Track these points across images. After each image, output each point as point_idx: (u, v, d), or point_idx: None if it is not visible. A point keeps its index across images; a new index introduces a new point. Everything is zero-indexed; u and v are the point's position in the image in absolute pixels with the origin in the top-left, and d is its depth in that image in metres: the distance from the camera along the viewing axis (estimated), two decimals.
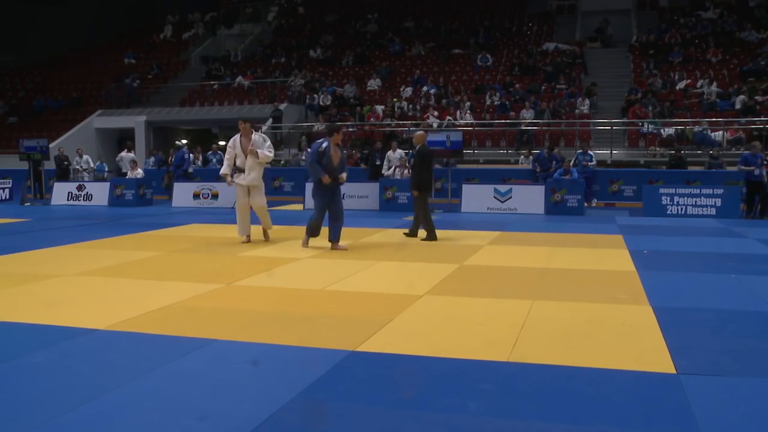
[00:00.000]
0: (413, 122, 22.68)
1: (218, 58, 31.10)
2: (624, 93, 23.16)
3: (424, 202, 10.32)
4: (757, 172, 13.68)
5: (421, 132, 11.17)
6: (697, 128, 20.07)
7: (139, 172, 18.75)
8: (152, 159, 22.14)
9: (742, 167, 14.06)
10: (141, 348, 4.62)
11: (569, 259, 8.44)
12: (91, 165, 21.78)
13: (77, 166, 21.59)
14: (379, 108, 24.24)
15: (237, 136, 9.75)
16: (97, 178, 21.20)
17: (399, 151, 17.29)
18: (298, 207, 16.52)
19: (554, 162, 17.14)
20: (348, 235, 10.61)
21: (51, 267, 7.74)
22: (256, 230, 10.14)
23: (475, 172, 18.61)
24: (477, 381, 3.95)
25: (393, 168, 17.02)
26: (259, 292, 6.52)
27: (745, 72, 22.92)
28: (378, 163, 18.18)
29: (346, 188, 16.39)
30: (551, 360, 4.29)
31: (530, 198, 15.18)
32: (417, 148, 10.59)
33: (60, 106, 29.54)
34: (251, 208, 9.88)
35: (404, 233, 10.68)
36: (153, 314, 5.48)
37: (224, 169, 9.89)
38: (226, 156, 9.85)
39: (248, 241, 9.84)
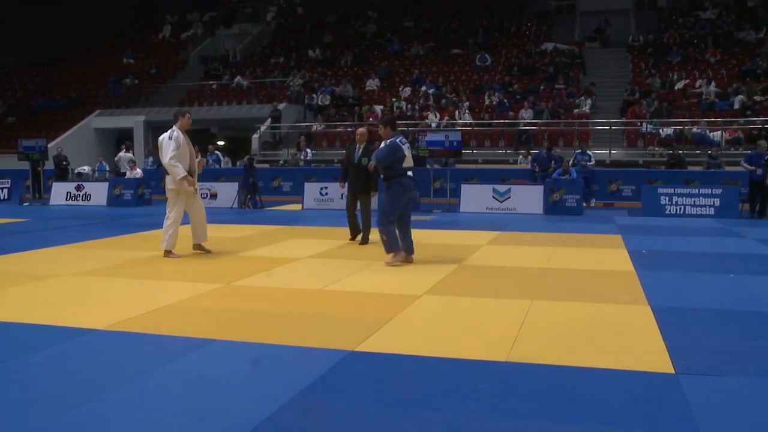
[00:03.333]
0: (412, 122, 22.69)
1: (217, 58, 31.11)
2: (623, 93, 23.19)
3: (369, 202, 9.86)
4: (759, 171, 13.69)
5: (363, 129, 10.35)
6: (695, 128, 20.10)
7: (138, 172, 18.75)
8: (151, 158, 22.14)
9: (746, 165, 14.08)
10: (140, 348, 4.62)
11: (568, 259, 8.44)
12: (91, 169, 21.80)
13: (76, 168, 21.60)
14: (378, 108, 24.24)
15: (179, 133, 8.29)
16: (98, 178, 21.18)
17: None
18: (297, 207, 16.54)
19: (553, 162, 17.15)
20: (348, 234, 10.61)
21: (50, 267, 7.73)
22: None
23: (474, 171, 18.62)
24: (476, 381, 3.95)
25: None
26: (258, 292, 6.51)
27: (744, 72, 22.95)
28: None
29: (346, 188, 16.45)
30: (550, 360, 4.29)
31: (529, 198, 15.19)
32: (363, 146, 9.76)
33: (59, 106, 29.54)
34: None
35: (356, 241, 9.88)
36: (152, 314, 5.48)
37: (183, 170, 8.22)
38: (177, 157, 8.21)
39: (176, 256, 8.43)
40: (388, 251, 7.89)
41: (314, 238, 10.53)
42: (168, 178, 8.42)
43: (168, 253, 8.40)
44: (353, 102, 25.33)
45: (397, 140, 7.84)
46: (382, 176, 8.03)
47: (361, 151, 9.76)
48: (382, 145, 7.95)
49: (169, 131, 8.40)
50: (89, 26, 34.77)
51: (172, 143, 8.23)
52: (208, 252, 8.74)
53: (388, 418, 3.43)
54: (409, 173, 7.86)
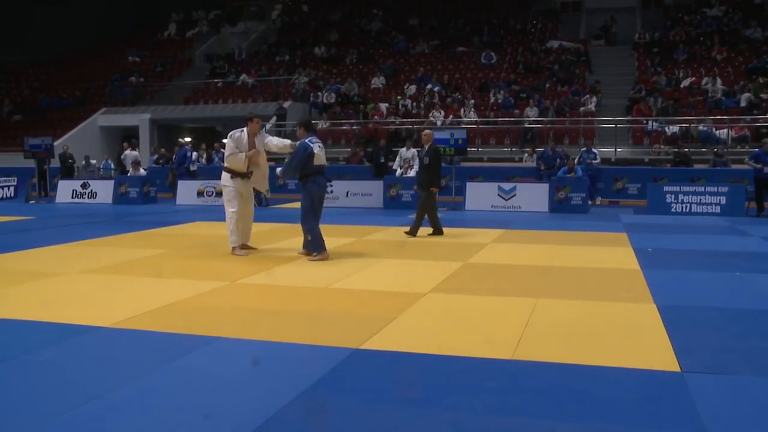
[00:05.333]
0: (417, 120, 22.67)
1: (222, 56, 31.10)
2: (628, 91, 23.12)
3: (434, 199, 10.66)
4: (767, 170, 13.60)
5: (429, 131, 11.32)
6: (701, 126, 20.02)
7: (141, 172, 18.77)
8: (156, 156, 22.20)
9: (751, 162, 13.97)
10: (145, 346, 4.63)
11: (573, 257, 8.43)
12: (98, 166, 21.87)
13: (82, 168, 21.67)
14: (383, 106, 24.23)
15: (245, 134, 8.45)
16: (103, 176, 21.24)
17: (412, 149, 17.25)
18: None
19: (558, 160, 17.11)
20: (352, 232, 10.64)
21: (55, 265, 7.75)
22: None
23: (480, 170, 18.57)
24: (481, 379, 3.94)
25: (406, 166, 16.96)
26: (262, 289, 6.52)
27: (751, 69, 22.84)
28: (382, 161, 18.15)
29: (350, 186, 16.49)
30: (555, 358, 4.28)
31: (534, 196, 15.15)
32: (428, 146, 10.72)
33: (64, 104, 29.58)
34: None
35: (405, 232, 10.59)
36: (157, 312, 5.49)
37: (241, 157, 8.40)
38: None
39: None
40: (312, 250, 8.16)
41: None
42: (223, 176, 8.63)
43: (235, 249, 8.54)
44: (358, 100, 25.31)
45: (307, 140, 8.17)
46: (298, 177, 8.35)
47: (425, 150, 10.68)
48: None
49: (238, 131, 8.57)
50: (94, 25, 34.79)
51: (231, 143, 8.45)
52: (253, 249, 8.84)
53: (393, 417, 3.43)
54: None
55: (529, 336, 4.78)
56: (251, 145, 8.49)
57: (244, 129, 8.55)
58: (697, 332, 4.99)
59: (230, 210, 8.54)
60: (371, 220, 13.06)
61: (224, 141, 8.83)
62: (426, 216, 10.51)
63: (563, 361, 4.22)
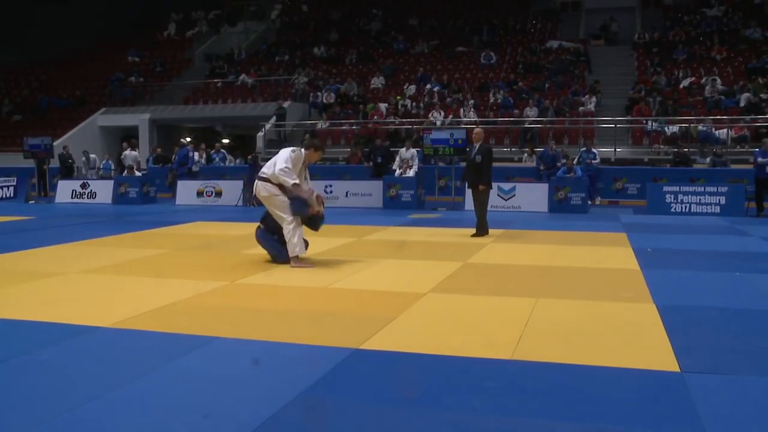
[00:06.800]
0: (417, 120, 22.67)
1: (222, 56, 31.10)
2: (628, 91, 23.12)
3: (487, 197, 10.69)
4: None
5: (480, 129, 11.38)
6: (701, 126, 20.03)
7: (136, 174, 18.78)
8: (153, 156, 22.20)
9: (760, 159, 13.80)
10: (145, 346, 4.62)
11: (573, 257, 8.43)
12: (98, 165, 21.86)
13: (82, 165, 21.65)
14: (383, 106, 24.23)
15: (302, 154, 7.65)
16: (103, 176, 21.25)
17: (411, 150, 17.24)
18: None
19: (559, 159, 17.11)
20: (352, 232, 10.65)
21: (55, 265, 7.75)
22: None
23: None
24: (481, 379, 3.94)
25: (404, 167, 16.96)
26: (262, 289, 6.52)
27: (750, 69, 22.84)
28: (379, 161, 18.14)
29: (350, 186, 16.51)
30: (555, 358, 4.28)
31: (534, 196, 15.16)
32: (479, 145, 10.74)
33: (64, 104, 29.58)
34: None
35: (472, 235, 10.32)
36: (156, 312, 5.48)
37: (294, 178, 7.48)
38: (289, 171, 7.44)
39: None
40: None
41: (318, 236, 10.48)
42: (266, 186, 7.59)
43: (298, 260, 7.60)
44: (358, 100, 25.31)
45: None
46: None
47: (476, 149, 10.69)
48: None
49: (299, 150, 7.73)
50: (94, 25, 34.77)
51: (290, 157, 7.47)
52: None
53: (393, 417, 3.43)
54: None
55: (528, 336, 4.78)
56: (304, 170, 7.69)
57: (303, 151, 7.67)
58: (697, 332, 4.99)
59: (288, 219, 7.53)
60: (371, 220, 13.07)
61: (280, 151, 7.58)
62: (479, 213, 10.50)
63: (563, 361, 4.21)
